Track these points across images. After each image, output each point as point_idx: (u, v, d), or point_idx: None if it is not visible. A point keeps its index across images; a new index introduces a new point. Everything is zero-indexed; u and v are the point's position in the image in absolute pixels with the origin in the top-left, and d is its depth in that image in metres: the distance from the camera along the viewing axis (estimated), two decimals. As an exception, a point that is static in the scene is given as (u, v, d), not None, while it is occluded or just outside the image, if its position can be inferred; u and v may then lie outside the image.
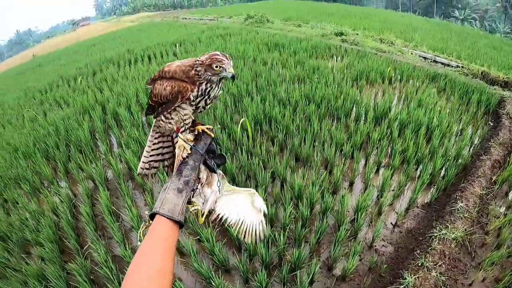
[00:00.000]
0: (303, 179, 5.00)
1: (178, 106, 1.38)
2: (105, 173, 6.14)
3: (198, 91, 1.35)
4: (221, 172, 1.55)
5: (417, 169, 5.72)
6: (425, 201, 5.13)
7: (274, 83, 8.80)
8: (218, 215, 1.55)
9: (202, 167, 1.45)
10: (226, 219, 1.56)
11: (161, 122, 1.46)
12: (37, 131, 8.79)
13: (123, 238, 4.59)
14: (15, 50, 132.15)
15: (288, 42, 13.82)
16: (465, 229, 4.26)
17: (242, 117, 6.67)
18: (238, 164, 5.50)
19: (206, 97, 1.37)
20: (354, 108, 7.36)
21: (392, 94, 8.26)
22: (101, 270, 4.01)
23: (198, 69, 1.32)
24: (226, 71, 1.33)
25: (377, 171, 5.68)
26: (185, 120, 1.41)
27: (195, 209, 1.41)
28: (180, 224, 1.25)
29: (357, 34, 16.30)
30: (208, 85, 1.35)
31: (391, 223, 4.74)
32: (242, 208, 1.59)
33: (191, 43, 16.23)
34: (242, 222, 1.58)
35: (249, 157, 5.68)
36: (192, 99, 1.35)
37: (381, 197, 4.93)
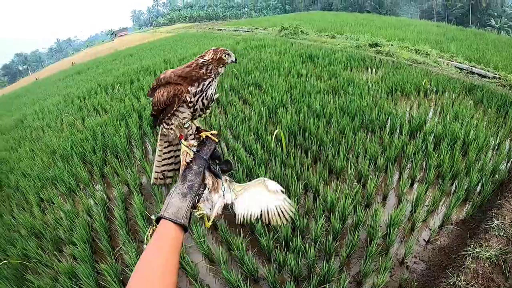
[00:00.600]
0: (336, 191, 4.97)
1: (176, 110, 1.44)
2: (139, 178, 6.34)
3: (198, 87, 1.41)
4: (227, 177, 1.61)
5: (452, 184, 5.57)
6: (460, 218, 4.99)
7: (308, 95, 8.84)
8: (242, 216, 1.64)
9: (208, 173, 1.49)
10: (250, 216, 1.64)
11: (164, 130, 1.52)
12: (75, 135, 9.24)
13: (154, 241, 4.70)
14: (55, 58, 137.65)
15: (322, 53, 13.84)
16: (500, 248, 4.14)
17: (276, 128, 6.74)
18: (271, 175, 5.54)
19: (204, 95, 1.42)
20: (389, 121, 7.28)
21: (428, 107, 8.13)
22: (130, 272, 4.14)
23: (210, 67, 1.40)
24: (231, 57, 1.45)
25: (411, 185, 5.57)
26: (184, 124, 1.47)
27: (200, 214, 1.44)
28: (184, 228, 1.30)
29: (391, 45, 16.09)
30: (212, 80, 1.43)
31: (424, 239, 4.63)
32: (260, 198, 1.67)
33: (227, 54, 16.41)
34: (267, 210, 1.66)
35: (283, 168, 5.71)
36: (189, 100, 1.40)
37: (415, 212, 4.82)
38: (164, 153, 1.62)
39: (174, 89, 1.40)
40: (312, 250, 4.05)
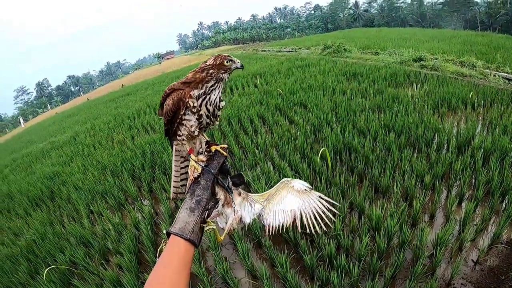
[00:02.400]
0: (381, 210, 4.91)
1: (183, 117, 1.41)
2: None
3: (200, 90, 1.38)
4: (242, 191, 1.57)
5: (502, 201, 5.33)
6: (511, 237, 4.75)
7: (353, 113, 8.88)
8: (271, 226, 1.56)
9: (218, 187, 1.46)
10: (282, 225, 1.56)
11: (176, 144, 1.52)
12: (125, 152, 9.85)
13: (199, 256, 4.90)
14: (105, 80, 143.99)
15: (366, 70, 13.85)
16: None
17: (321, 147, 6.80)
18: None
19: (207, 99, 1.39)
20: (436, 137, 7.16)
21: (476, 121, 7.89)
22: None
23: (210, 71, 1.37)
24: (235, 63, 1.42)
25: (460, 203, 5.37)
26: (193, 132, 1.43)
27: (209, 229, 1.39)
28: (193, 243, 1.26)
29: (436, 59, 15.77)
30: (214, 83, 1.39)
31: (472, 260, 4.43)
32: (289, 203, 1.59)
33: (271, 75, 16.73)
34: (300, 215, 1.57)
35: (328, 187, 5.76)
36: (192, 105, 1.37)
37: (463, 231, 4.64)
38: (181, 168, 1.61)
39: (178, 93, 1.39)
40: (356, 269, 4.03)
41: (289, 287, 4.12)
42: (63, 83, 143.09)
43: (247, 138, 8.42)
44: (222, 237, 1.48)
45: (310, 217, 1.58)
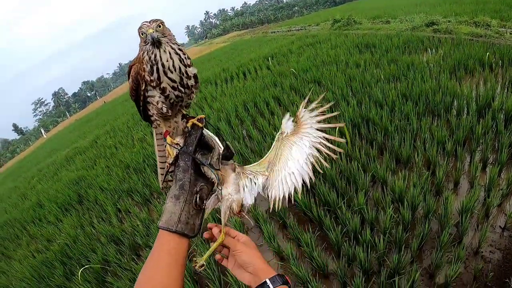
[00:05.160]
0: (404, 181, 4.84)
1: (146, 94, 1.27)
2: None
3: (148, 62, 1.19)
4: (236, 164, 1.41)
5: None
6: None
7: (368, 85, 8.79)
8: (279, 199, 1.36)
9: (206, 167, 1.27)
10: (294, 191, 1.36)
11: (155, 125, 1.36)
12: (146, 149, 10.02)
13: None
14: (119, 81, 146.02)
15: (378, 41, 13.66)
16: None
17: (339, 122, 6.73)
18: (337, 170, 5.56)
19: (160, 66, 1.19)
20: (455, 102, 6.99)
21: (495, 82, 7.64)
22: (203, 272, 4.35)
23: (141, 46, 1.21)
24: (145, 34, 1.18)
25: (483, 168, 5.21)
26: (161, 109, 1.26)
27: (201, 265, 1.25)
28: (183, 234, 1.16)
29: (449, 22, 15.36)
30: (150, 52, 1.18)
31: (499, 226, 4.29)
32: (296, 158, 1.38)
33: (283, 55, 16.69)
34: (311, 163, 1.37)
35: (348, 162, 5.70)
36: (148, 79, 1.21)
37: (488, 197, 4.48)
38: (164, 151, 1.43)
39: (134, 68, 1.25)
40: (382, 243, 3.98)
41: (316, 266, 4.12)
42: (78, 90, 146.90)
43: (265, 121, 8.40)
44: (222, 234, 1.28)
45: (318, 159, 1.37)
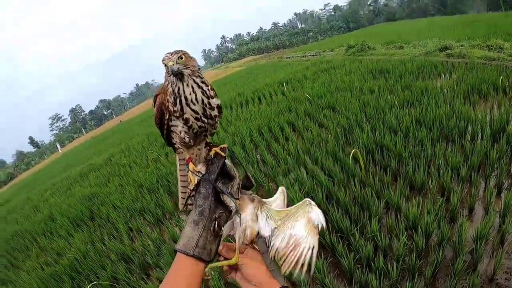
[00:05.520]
0: (418, 207, 4.80)
1: (169, 123, 1.30)
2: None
3: (172, 94, 1.23)
4: (256, 196, 1.41)
5: None
6: None
7: (382, 111, 8.81)
8: (277, 251, 1.33)
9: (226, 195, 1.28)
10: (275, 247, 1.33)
11: (178, 151, 1.39)
12: (160, 169, 10.16)
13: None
14: (136, 101, 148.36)
15: (392, 66, 13.73)
16: None
17: (353, 148, 6.73)
18: (351, 196, 5.55)
19: (183, 98, 1.22)
20: (469, 127, 6.96)
21: (508, 106, 7.60)
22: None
23: (165, 76, 1.25)
24: (167, 66, 1.21)
25: (498, 194, 5.16)
26: (184, 139, 1.30)
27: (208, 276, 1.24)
28: (200, 259, 1.17)
29: (462, 46, 15.37)
30: (174, 84, 1.22)
31: None
32: (299, 229, 1.34)
33: (298, 81, 16.86)
34: (293, 248, 1.31)
35: (362, 188, 5.69)
36: (172, 109, 1.24)
37: (503, 223, 4.43)
38: (186, 175, 1.44)
39: (160, 98, 1.29)
40: (395, 270, 3.95)
41: (328, 292, 4.08)
42: (95, 108, 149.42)
43: (279, 146, 8.49)
44: (234, 258, 1.28)
45: (298, 255, 1.31)
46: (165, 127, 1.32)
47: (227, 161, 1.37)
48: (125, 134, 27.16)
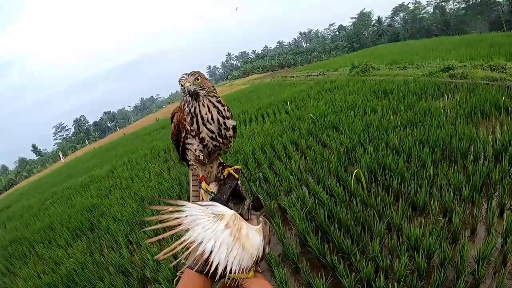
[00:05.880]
0: (419, 228, 4.76)
1: (185, 141, 1.35)
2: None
3: (189, 113, 1.29)
4: (262, 218, 1.40)
5: None
6: None
7: (385, 131, 8.82)
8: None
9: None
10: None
11: (192, 168, 1.46)
12: (162, 184, 10.18)
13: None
14: (140, 115, 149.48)
15: (395, 87, 13.77)
16: None
17: (356, 168, 6.77)
18: (352, 216, 5.52)
19: (199, 118, 1.29)
20: (471, 147, 6.97)
21: (511, 126, 7.60)
22: None
23: (181, 94, 1.31)
24: (184, 87, 1.27)
25: (501, 214, 5.14)
26: (198, 157, 1.35)
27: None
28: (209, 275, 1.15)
29: (464, 66, 15.47)
30: (190, 104, 1.29)
31: None
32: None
33: (301, 100, 16.93)
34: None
35: (364, 208, 5.68)
36: (189, 128, 1.30)
37: (506, 243, 4.41)
38: (197, 191, 1.50)
39: (177, 116, 1.35)
40: None
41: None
42: (99, 119, 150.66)
43: (281, 165, 8.48)
44: (251, 272, 1.26)
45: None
46: (181, 144, 1.39)
47: (239, 183, 1.42)
48: (128, 147, 27.23)
